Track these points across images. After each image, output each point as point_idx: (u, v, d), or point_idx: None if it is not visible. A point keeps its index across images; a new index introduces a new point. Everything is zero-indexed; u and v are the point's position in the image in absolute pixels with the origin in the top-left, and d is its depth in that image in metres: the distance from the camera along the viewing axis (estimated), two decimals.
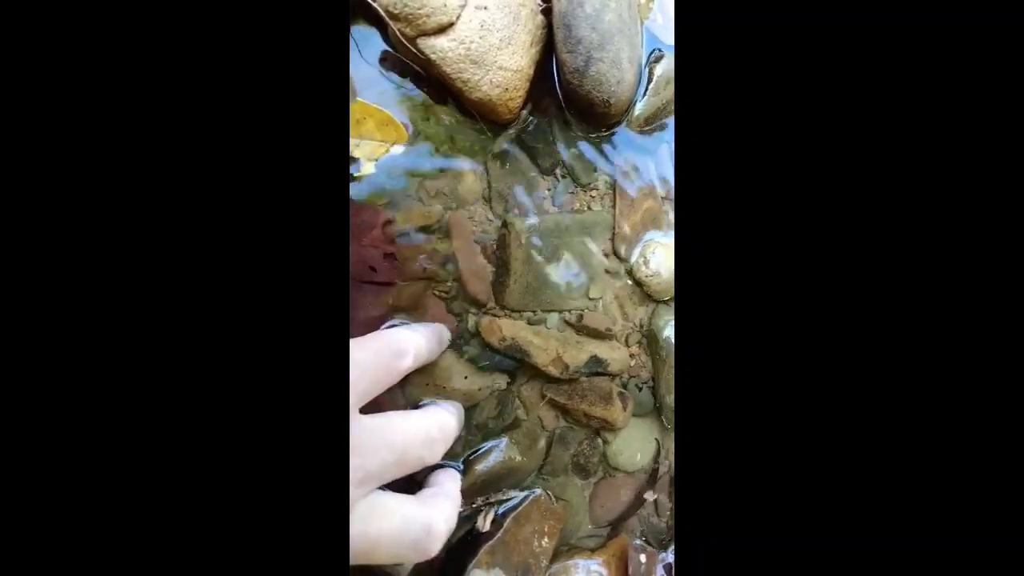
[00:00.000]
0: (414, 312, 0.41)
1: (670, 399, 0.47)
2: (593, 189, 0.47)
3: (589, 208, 0.47)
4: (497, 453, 0.43)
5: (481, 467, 0.42)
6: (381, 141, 0.38)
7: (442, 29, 0.35)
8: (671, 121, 0.48)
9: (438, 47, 0.35)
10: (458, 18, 0.35)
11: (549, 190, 0.46)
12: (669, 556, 0.48)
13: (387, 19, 0.35)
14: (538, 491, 0.45)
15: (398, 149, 0.39)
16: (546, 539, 0.43)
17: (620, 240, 0.47)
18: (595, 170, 0.46)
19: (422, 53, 0.36)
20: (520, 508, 0.42)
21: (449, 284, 0.43)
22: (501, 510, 0.43)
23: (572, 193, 0.46)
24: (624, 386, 0.48)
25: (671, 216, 0.49)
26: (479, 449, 0.43)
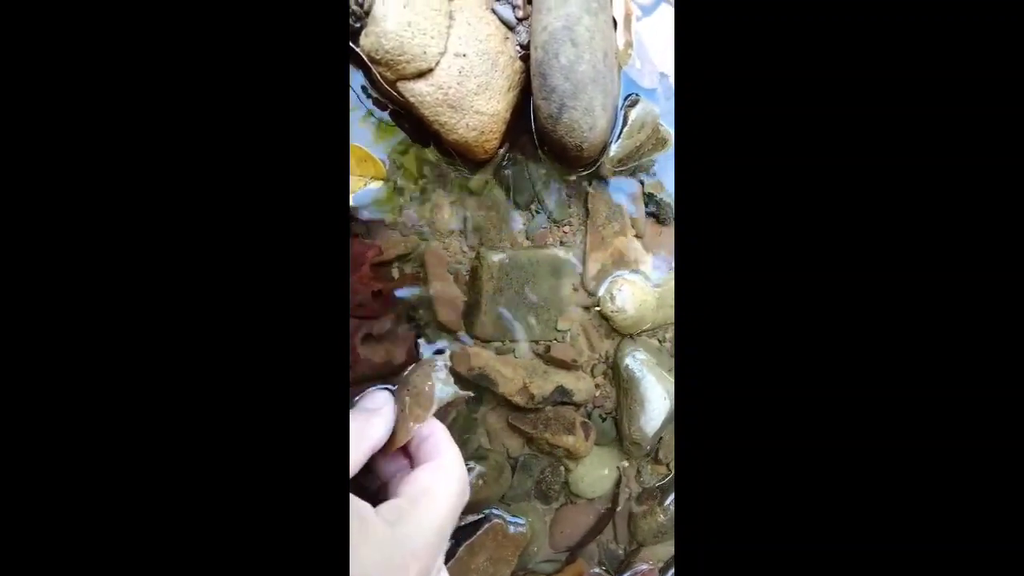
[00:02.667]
0: (385, 340, 0.43)
1: (632, 429, 0.49)
2: (566, 225, 0.49)
3: (561, 243, 0.48)
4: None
5: None
6: (359, 176, 0.39)
7: (421, 74, 0.37)
8: (659, 159, 0.50)
9: (417, 91, 0.37)
10: (437, 64, 0.37)
11: (524, 224, 0.47)
12: None
13: (368, 63, 0.36)
14: (495, 520, 0.46)
15: (375, 184, 0.40)
16: (502, 567, 0.44)
17: (589, 275, 0.48)
18: (569, 207, 0.48)
19: (402, 96, 0.37)
20: (475, 538, 0.44)
21: (421, 312, 0.44)
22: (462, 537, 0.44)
23: (545, 228, 0.48)
24: (588, 416, 0.49)
25: (640, 254, 0.50)
26: None
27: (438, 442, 0.31)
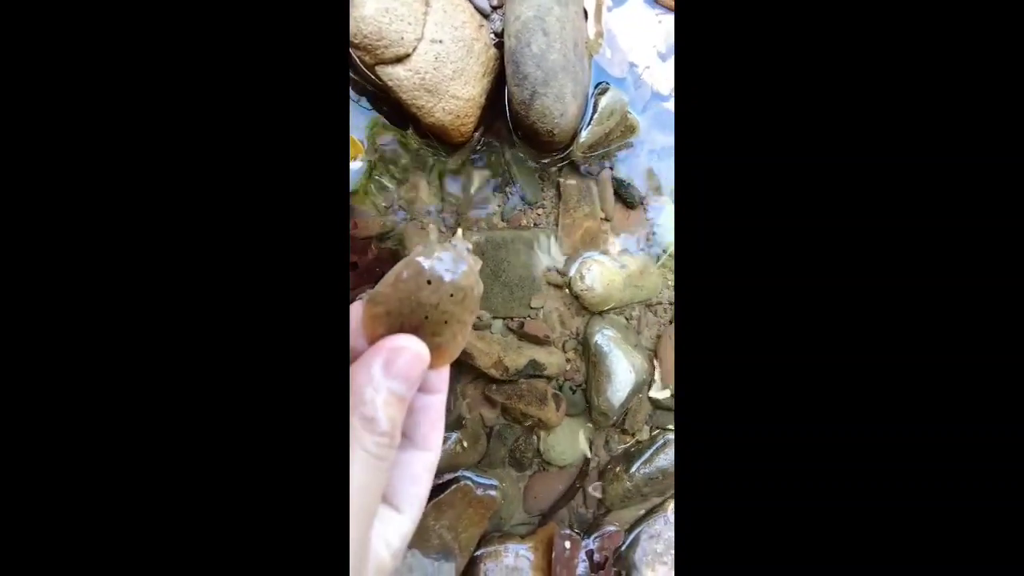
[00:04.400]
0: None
1: (599, 401, 0.52)
2: (540, 207, 0.51)
3: (535, 225, 0.51)
4: (447, 445, 0.47)
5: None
6: None
7: (399, 59, 0.38)
8: (622, 150, 0.52)
9: (395, 75, 0.38)
10: (414, 50, 0.38)
11: (499, 207, 0.50)
12: (591, 542, 0.53)
13: (348, 47, 0.38)
14: (464, 482, 0.49)
15: (355, 164, 0.42)
16: (472, 527, 0.47)
17: (559, 254, 0.51)
18: (542, 190, 0.50)
19: (380, 79, 0.39)
20: (443, 496, 0.46)
21: None
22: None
23: (520, 211, 0.50)
24: (559, 388, 0.52)
25: (609, 236, 0.53)
26: None
27: (435, 423, 0.27)
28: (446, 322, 0.25)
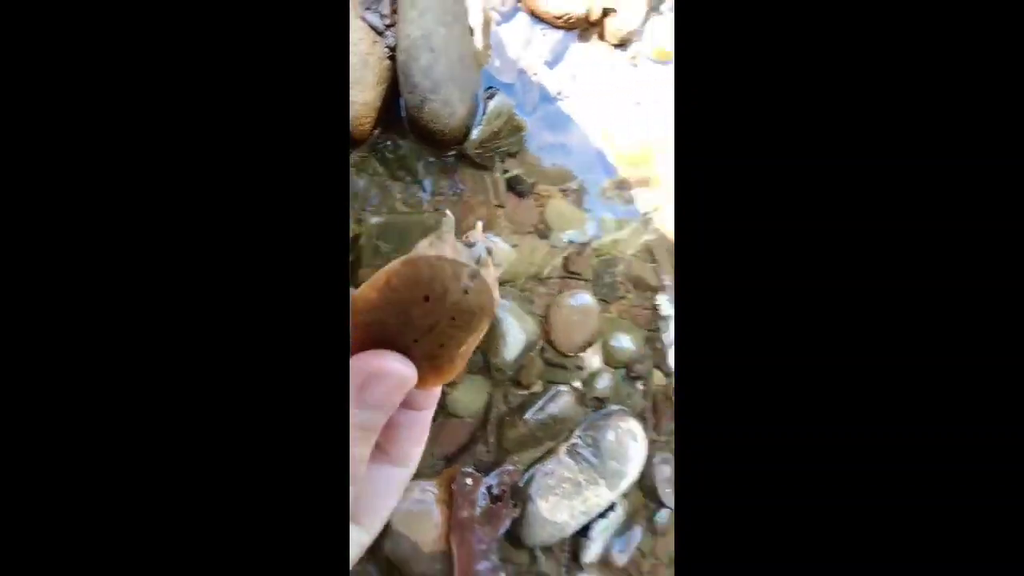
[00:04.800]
0: None
1: (496, 359, 0.61)
2: (440, 195, 0.59)
3: (436, 210, 0.59)
4: None
5: None
6: None
7: None
8: (512, 146, 0.61)
9: None
10: None
11: (400, 195, 0.58)
12: (491, 479, 0.62)
13: None
14: None
15: None
16: None
17: (458, 238, 0.60)
18: (441, 181, 0.59)
19: None
20: None
21: None
22: None
23: (422, 197, 0.58)
24: None
25: (502, 222, 0.62)
26: None
27: (417, 439, 0.24)
28: (442, 345, 0.20)
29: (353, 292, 0.20)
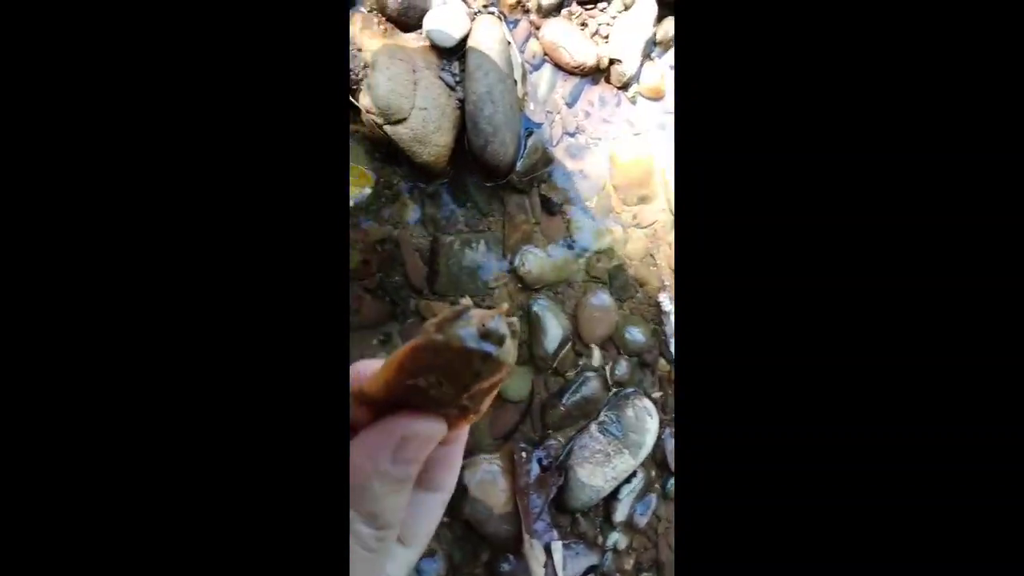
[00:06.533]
0: (376, 292, 0.62)
1: (539, 351, 0.73)
2: (491, 216, 0.71)
3: (489, 229, 0.71)
4: None
5: None
6: (358, 186, 0.59)
7: (400, 121, 0.57)
8: (548, 171, 0.74)
9: (397, 132, 0.57)
10: (410, 115, 0.57)
11: (463, 216, 0.69)
12: (540, 452, 0.74)
13: (365, 113, 0.56)
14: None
15: (367, 191, 0.60)
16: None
17: (507, 249, 0.72)
18: (491, 204, 0.71)
19: (387, 135, 0.57)
20: None
21: (397, 279, 0.64)
22: None
23: (478, 219, 0.70)
24: None
25: (538, 235, 0.75)
26: None
27: (452, 467, 0.25)
28: (471, 396, 0.20)
29: (361, 385, 0.21)
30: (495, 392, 0.21)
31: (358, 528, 0.20)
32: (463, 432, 0.23)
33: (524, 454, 0.72)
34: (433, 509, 0.24)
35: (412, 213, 0.65)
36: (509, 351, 0.19)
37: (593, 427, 0.78)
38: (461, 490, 0.68)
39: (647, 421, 0.79)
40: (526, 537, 0.69)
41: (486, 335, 0.18)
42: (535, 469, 0.73)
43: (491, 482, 0.69)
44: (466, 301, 0.20)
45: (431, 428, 0.20)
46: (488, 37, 0.62)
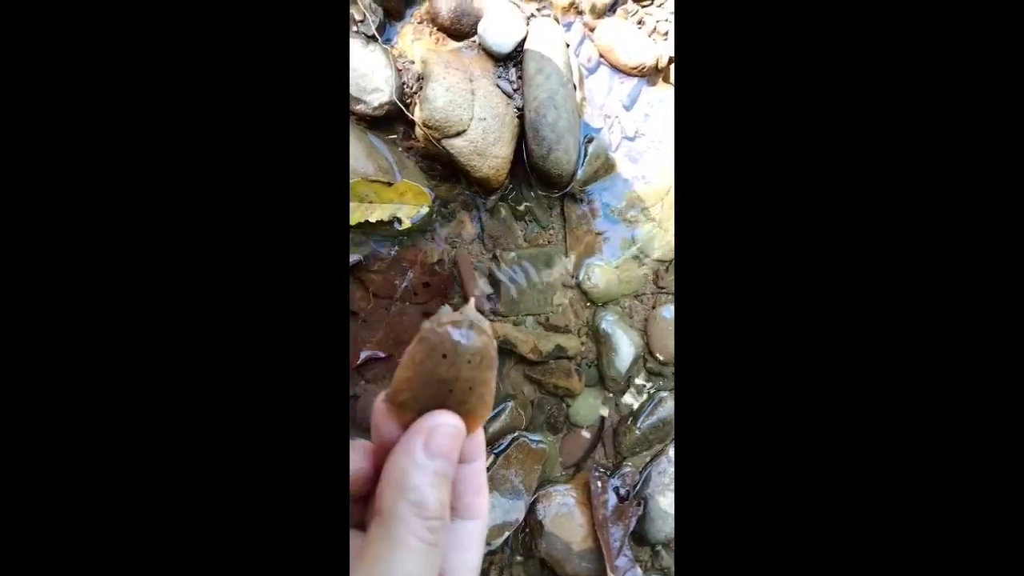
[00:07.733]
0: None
1: (609, 370, 0.68)
2: (551, 229, 0.67)
3: (549, 243, 0.67)
4: (504, 415, 0.62)
5: (496, 425, 0.61)
6: (414, 205, 0.56)
7: (458, 133, 0.54)
8: (606, 181, 0.70)
9: (456, 145, 0.54)
10: (469, 127, 0.54)
11: (522, 231, 0.66)
12: (616, 481, 0.68)
13: (421, 127, 0.53)
14: (521, 439, 0.64)
15: (424, 210, 0.57)
16: (531, 473, 0.62)
17: (570, 264, 0.67)
18: (551, 216, 0.67)
19: (444, 149, 0.54)
20: (508, 450, 0.61)
21: (456, 300, 0.61)
22: (497, 450, 0.62)
23: (537, 233, 0.66)
24: (579, 365, 0.68)
25: (603, 247, 0.70)
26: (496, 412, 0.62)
27: (478, 490, 0.26)
28: (471, 388, 0.25)
29: (386, 392, 0.25)
30: (489, 392, 0.25)
31: (408, 519, 0.21)
32: (479, 448, 0.26)
33: (600, 482, 0.66)
34: (469, 540, 0.25)
35: (470, 230, 0.62)
36: (483, 343, 0.24)
37: (670, 450, 0.71)
38: (536, 525, 0.63)
39: None
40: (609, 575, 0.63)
41: (456, 324, 0.24)
42: (612, 499, 0.67)
43: (567, 515, 0.64)
44: (446, 307, 0.25)
45: (450, 419, 0.24)
46: (546, 40, 0.59)
